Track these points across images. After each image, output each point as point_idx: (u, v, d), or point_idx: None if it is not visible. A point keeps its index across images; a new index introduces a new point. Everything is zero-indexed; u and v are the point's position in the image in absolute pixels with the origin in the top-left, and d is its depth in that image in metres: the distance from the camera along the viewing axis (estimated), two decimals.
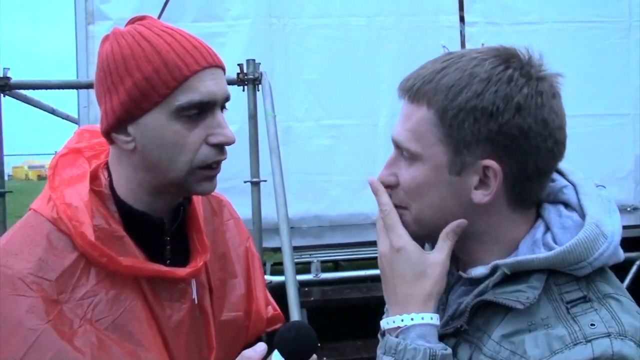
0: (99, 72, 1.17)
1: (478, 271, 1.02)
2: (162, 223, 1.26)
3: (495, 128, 0.94)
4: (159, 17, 3.58)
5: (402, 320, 0.99)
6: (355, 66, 4.37)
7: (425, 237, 1.07)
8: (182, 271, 1.23)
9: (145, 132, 1.14)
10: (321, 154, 4.19)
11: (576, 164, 3.45)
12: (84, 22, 4.19)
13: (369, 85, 4.38)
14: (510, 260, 0.98)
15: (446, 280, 1.08)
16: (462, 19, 4.55)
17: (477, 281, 1.02)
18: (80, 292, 1.13)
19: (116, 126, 1.15)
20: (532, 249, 0.99)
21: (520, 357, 0.93)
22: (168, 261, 1.26)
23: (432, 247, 1.10)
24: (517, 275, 0.98)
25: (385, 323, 1.03)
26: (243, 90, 3.22)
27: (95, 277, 1.15)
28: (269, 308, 1.51)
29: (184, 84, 1.11)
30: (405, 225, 1.05)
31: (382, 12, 4.41)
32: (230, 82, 3.16)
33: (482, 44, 4.13)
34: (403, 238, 1.02)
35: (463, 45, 4.51)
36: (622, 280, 3.73)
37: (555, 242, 0.98)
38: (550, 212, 1.03)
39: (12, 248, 1.15)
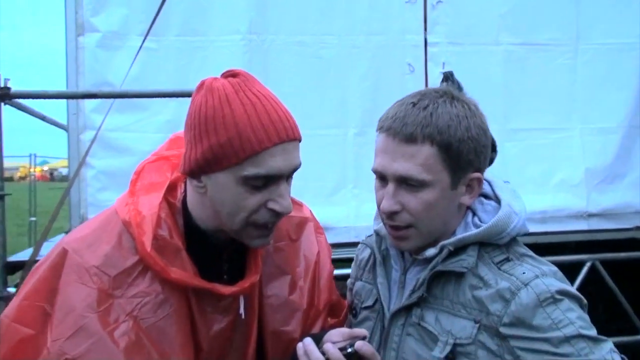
0: (189, 119, 1.25)
1: (430, 252, 1.31)
2: (220, 243, 1.33)
3: (479, 148, 1.27)
4: (147, 32, 3.73)
5: None
6: (327, 81, 4.53)
7: (427, 243, 1.31)
8: (226, 289, 1.30)
9: (215, 185, 1.22)
10: None
11: (531, 173, 4.05)
12: (74, 33, 4.27)
13: (340, 99, 4.55)
14: (452, 239, 1.29)
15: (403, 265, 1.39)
16: (425, 40, 4.72)
17: (428, 261, 1.31)
18: (133, 291, 1.22)
19: (191, 174, 1.25)
20: (466, 230, 1.32)
21: (486, 313, 1.22)
22: (225, 276, 1.34)
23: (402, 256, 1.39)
24: (458, 250, 1.29)
25: None
26: None
27: (150, 280, 1.24)
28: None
29: (253, 158, 1.17)
30: (411, 240, 1.30)
31: (353, 31, 4.56)
32: None
33: (443, 63, 4.49)
34: None
35: (426, 63, 4.72)
36: (572, 282, 4.02)
37: (481, 222, 1.33)
38: (474, 202, 1.37)
39: (88, 240, 1.26)
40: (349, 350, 1.24)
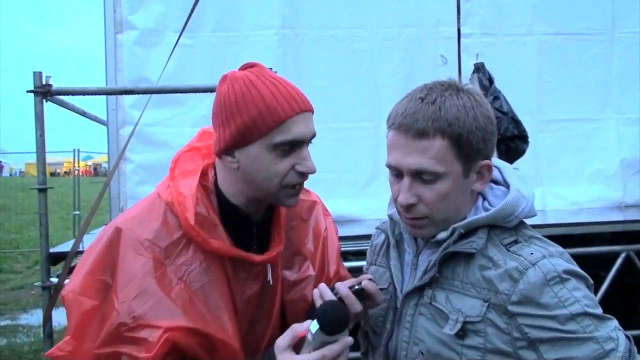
0: (216, 107, 1.43)
1: (442, 235, 1.35)
2: (249, 217, 1.50)
3: (487, 137, 1.31)
4: (183, 29, 3.82)
5: None
6: (359, 74, 4.57)
7: (442, 229, 1.35)
8: (258, 257, 1.48)
9: (248, 157, 1.40)
10: (329, 154, 4.28)
11: (563, 164, 4.02)
12: (112, 31, 4.39)
13: (372, 92, 4.57)
14: (463, 222, 1.34)
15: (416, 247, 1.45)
16: (459, 31, 4.73)
17: (440, 243, 1.36)
18: (180, 260, 1.41)
19: (226, 150, 1.41)
20: (476, 213, 1.37)
21: (495, 292, 1.27)
22: (255, 247, 1.52)
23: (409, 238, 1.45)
24: (468, 233, 1.33)
25: None
26: None
27: (193, 251, 1.42)
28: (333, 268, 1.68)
29: (280, 126, 1.35)
30: (427, 229, 1.35)
31: (385, 24, 4.59)
32: None
33: (477, 54, 4.47)
34: None
35: (459, 54, 4.74)
36: (608, 272, 3.92)
37: (491, 206, 1.37)
38: (484, 188, 1.40)
39: (138, 218, 1.44)
40: (357, 287, 1.40)
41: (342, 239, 1.77)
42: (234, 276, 1.48)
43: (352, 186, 4.57)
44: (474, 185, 1.37)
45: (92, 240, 1.47)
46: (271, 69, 3.41)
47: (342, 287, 1.40)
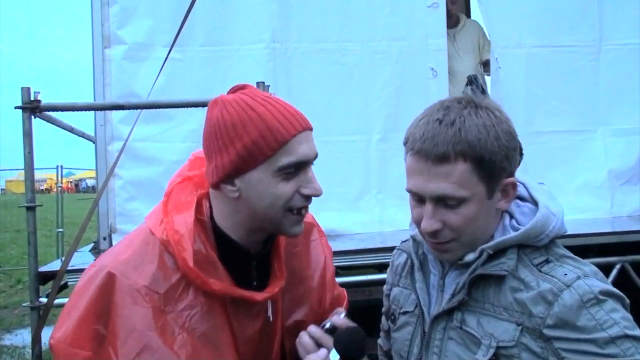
0: (209, 134, 1.32)
1: (470, 256, 1.31)
2: (249, 253, 1.41)
3: (510, 154, 1.26)
4: (173, 43, 3.80)
5: None
6: (350, 87, 4.55)
7: (469, 251, 1.31)
8: (260, 295, 1.40)
9: (250, 184, 1.30)
10: (320, 168, 4.19)
11: (551, 175, 4.02)
12: (100, 45, 4.32)
13: (363, 105, 4.57)
14: (491, 243, 1.29)
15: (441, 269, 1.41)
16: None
17: (467, 264, 1.32)
18: (181, 305, 1.32)
19: (225, 179, 1.31)
20: (504, 233, 1.32)
21: (529, 315, 1.22)
22: (254, 282, 1.44)
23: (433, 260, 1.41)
24: (497, 254, 1.29)
25: None
26: None
27: (193, 293, 1.33)
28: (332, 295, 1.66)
29: (284, 147, 1.28)
30: (454, 252, 1.31)
31: (375, 37, 4.59)
32: None
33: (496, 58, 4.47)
34: None
35: (449, 67, 4.77)
36: None
37: (519, 225, 1.32)
38: (510, 205, 1.36)
39: (133, 262, 1.33)
40: (327, 326, 1.37)
41: (333, 254, 1.75)
42: (234, 316, 1.41)
43: (343, 200, 4.52)
44: (499, 203, 1.32)
45: (81, 281, 1.36)
46: (264, 83, 3.41)
47: (313, 328, 1.38)
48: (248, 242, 1.42)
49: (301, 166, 1.33)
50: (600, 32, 4.88)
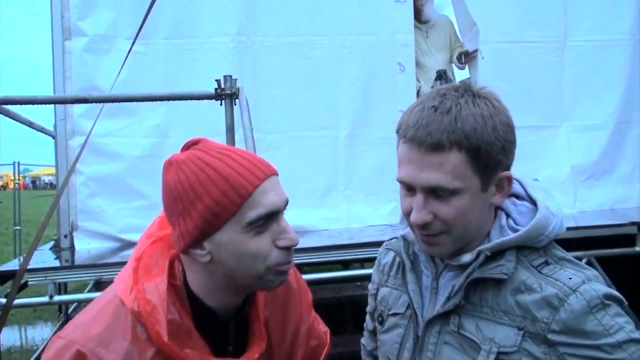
0: (168, 198, 1.25)
1: (466, 258, 1.25)
2: (226, 319, 1.33)
3: (507, 146, 1.20)
4: (136, 36, 3.72)
5: None
6: (317, 82, 4.52)
7: (460, 248, 1.26)
8: None
9: (220, 245, 1.22)
10: (287, 164, 4.11)
11: (515, 170, 4.01)
12: (60, 37, 4.22)
13: (330, 100, 4.54)
14: (489, 244, 1.23)
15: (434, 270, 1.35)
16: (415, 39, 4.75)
17: (463, 266, 1.26)
18: None
19: (192, 244, 1.23)
20: (502, 233, 1.26)
21: (532, 320, 1.18)
22: (231, 347, 1.35)
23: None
24: (494, 255, 1.23)
25: None
26: (221, 104, 3.30)
27: None
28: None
29: (248, 200, 1.19)
30: (444, 246, 1.24)
31: (343, 31, 4.57)
32: (208, 97, 3.29)
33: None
34: None
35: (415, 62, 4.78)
36: None
37: (517, 225, 1.27)
38: (506, 203, 1.31)
39: (104, 338, 1.23)
40: None
41: (300, 250, 1.67)
42: None
43: (310, 196, 4.49)
44: (493, 198, 1.26)
45: (45, 355, 1.24)
46: (231, 77, 3.34)
47: None
48: (225, 306, 1.34)
49: (271, 217, 1.23)
50: (565, 28, 4.94)
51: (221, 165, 1.21)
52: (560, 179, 4.95)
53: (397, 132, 1.24)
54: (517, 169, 4.40)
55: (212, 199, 1.19)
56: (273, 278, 1.27)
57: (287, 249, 1.26)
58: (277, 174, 1.27)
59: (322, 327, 1.64)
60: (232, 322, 1.36)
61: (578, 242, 4.00)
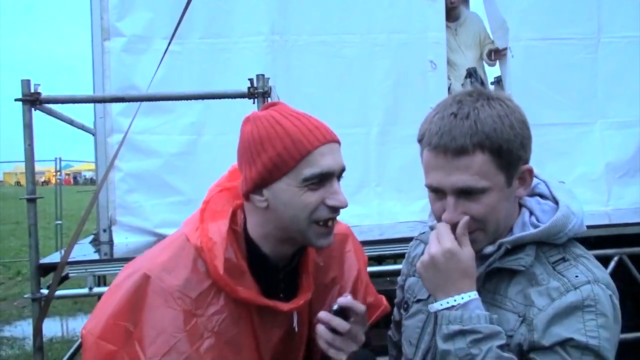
0: (241, 148, 1.42)
1: (489, 249, 1.34)
2: (277, 266, 1.48)
3: (525, 142, 1.29)
4: (172, 36, 3.79)
5: (462, 299, 1.25)
6: (349, 80, 4.55)
7: (492, 241, 1.34)
8: (285, 306, 1.46)
9: (276, 194, 1.36)
10: None
11: (548, 168, 4.04)
12: (99, 38, 4.31)
13: (362, 97, 4.58)
14: (510, 238, 1.32)
15: None
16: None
17: (484, 257, 1.34)
18: (211, 310, 1.39)
19: (254, 189, 1.39)
20: (523, 229, 1.34)
21: (530, 306, 1.26)
22: (282, 294, 1.49)
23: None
24: (515, 249, 1.31)
25: (440, 305, 1.27)
26: (253, 103, 3.36)
27: (224, 299, 1.40)
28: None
29: (307, 158, 1.33)
30: (480, 242, 1.32)
31: (374, 29, 4.59)
32: (241, 96, 3.35)
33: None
34: (453, 242, 1.27)
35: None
36: None
37: (539, 222, 1.34)
38: (531, 202, 1.39)
39: (168, 266, 1.41)
40: (334, 307, 1.42)
41: None
42: (260, 324, 1.46)
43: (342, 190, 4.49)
44: (518, 191, 1.35)
45: (117, 278, 1.44)
46: (264, 76, 3.40)
47: (321, 312, 1.43)
48: (278, 254, 1.47)
49: (325, 178, 1.36)
50: (598, 25, 4.88)
51: (288, 124, 1.35)
52: (594, 176, 4.90)
53: (420, 141, 1.32)
54: (551, 166, 4.39)
55: (275, 152, 1.34)
56: (316, 235, 1.40)
57: (335, 209, 1.38)
58: (339, 142, 1.41)
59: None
60: (283, 270, 1.50)
61: (611, 239, 3.97)
